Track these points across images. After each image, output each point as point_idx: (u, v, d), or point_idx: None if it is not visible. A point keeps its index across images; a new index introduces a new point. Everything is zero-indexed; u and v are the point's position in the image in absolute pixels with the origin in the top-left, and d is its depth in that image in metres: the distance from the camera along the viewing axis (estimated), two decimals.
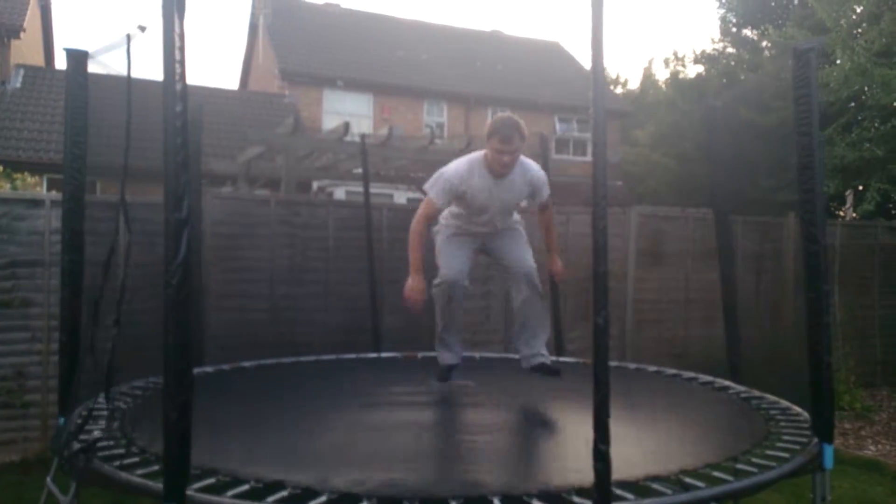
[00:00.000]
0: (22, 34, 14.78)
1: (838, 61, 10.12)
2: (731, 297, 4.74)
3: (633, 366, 5.36)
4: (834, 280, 7.82)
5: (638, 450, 3.19)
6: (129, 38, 3.30)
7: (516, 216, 4.34)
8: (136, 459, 2.92)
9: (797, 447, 3.18)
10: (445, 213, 4.14)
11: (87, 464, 2.89)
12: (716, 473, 2.83)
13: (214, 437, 3.17)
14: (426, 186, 4.00)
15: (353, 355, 5.59)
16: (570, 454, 3.25)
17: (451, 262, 4.10)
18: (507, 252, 4.21)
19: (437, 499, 2.56)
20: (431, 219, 4.08)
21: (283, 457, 3.18)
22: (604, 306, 2.22)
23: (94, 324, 3.34)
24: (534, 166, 4.11)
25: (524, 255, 4.19)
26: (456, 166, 3.96)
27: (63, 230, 3.83)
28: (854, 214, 11.72)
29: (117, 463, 2.87)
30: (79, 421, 3.33)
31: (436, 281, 4.11)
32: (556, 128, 19.41)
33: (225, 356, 5.28)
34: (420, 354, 5.71)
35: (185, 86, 2.41)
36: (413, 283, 3.92)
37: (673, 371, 5.04)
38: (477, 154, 4.00)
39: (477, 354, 5.43)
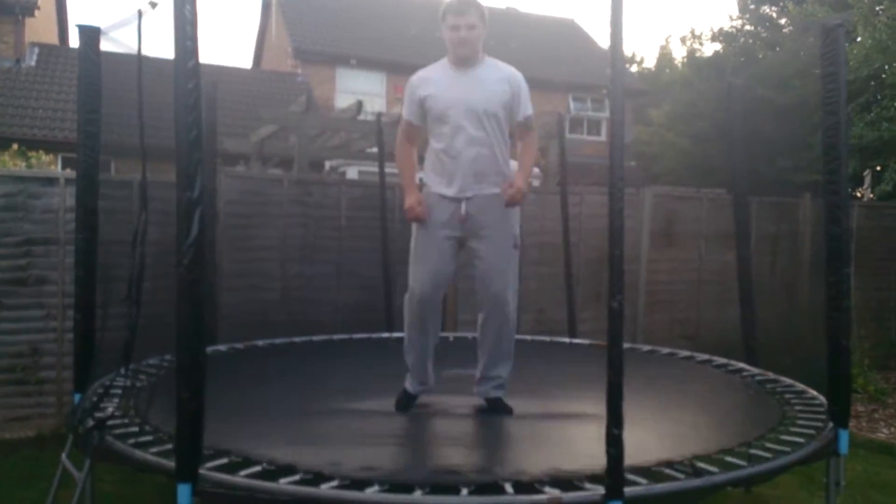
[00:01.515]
0: (36, 12, 14.76)
1: (859, 38, 9.93)
2: (747, 279, 4.70)
3: (645, 348, 5.34)
4: (851, 262, 7.73)
5: (651, 434, 3.18)
6: (140, 13, 3.27)
7: (510, 170, 3.42)
8: (149, 437, 2.94)
9: (812, 432, 3.16)
10: (428, 169, 3.49)
11: (101, 441, 2.92)
12: (730, 458, 2.82)
13: (227, 418, 3.18)
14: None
15: (364, 335, 5.61)
16: (582, 439, 3.24)
17: (424, 268, 3.39)
18: (483, 258, 3.39)
19: (448, 485, 2.55)
20: (411, 138, 3.54)
21: (295, 439, 3.19)
22: (619, 290, 2.20)
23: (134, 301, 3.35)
24: (510, 67, 3.48)
25: (500, 269, 3.37)
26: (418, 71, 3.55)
27: (77, 208, 3.85)
28: (871, 195, 11.56)
29: (131, 441, 2.90)
30: (94, 398, 3.37)
31: (408, 295, 3.48)
32: (570, 107, 19.23)
33: (237, 335, 5.30)
34: None
35: (197, 63, 2.39)
36: (410, 200, 3.37)
37: (687, 353, 5.02)
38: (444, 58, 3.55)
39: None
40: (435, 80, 3.40)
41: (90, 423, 3.03)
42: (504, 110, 3.38)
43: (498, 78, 3.40)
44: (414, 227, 3.49)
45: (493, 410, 3.56)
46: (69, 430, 3.38)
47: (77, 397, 3.63)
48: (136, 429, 3.06)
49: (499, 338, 3.49)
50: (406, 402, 3.61)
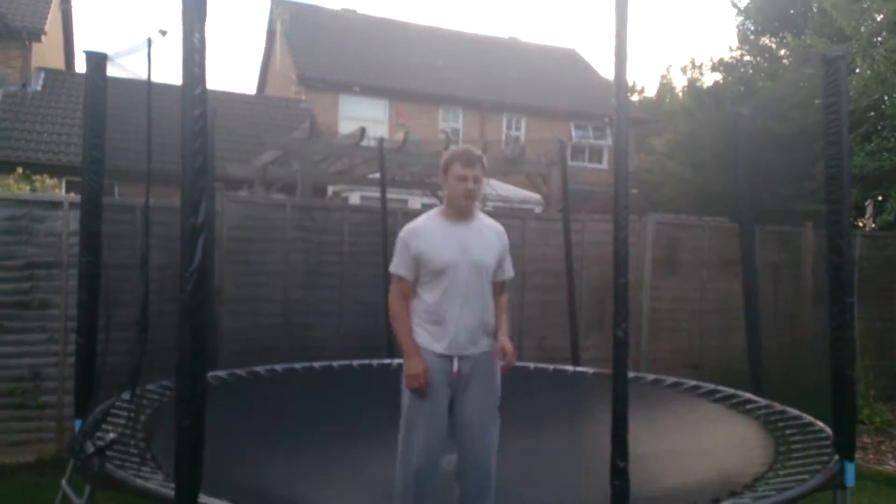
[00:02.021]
0: (43, 37, 14.91)
1: (857, 70, 10.01)
2: (753, 309, 4.68)
3: (650, 377, 5.31)
4: (854, 292, 7.72)
5: (656, 465, 3.15)
6: (149, 41, 3.30)
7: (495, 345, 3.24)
8: (150, 465, 2.91)
9: (818, 465, 3.12)
10: (415, 324, 3.24)
11: (102, 468, 2.89)
12: (736, 490, 2.79)
13: (228, 446, 3.16)
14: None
15: (366, 361, 5.58)
16: (586, 470, 3.21)
17: (427, 434, 3.09)
18: (468, 418, 3.16)
19: None
20: (406, 294, 3.24)
21: (295, 470, 3.16)
22: (624, 318, 2.19)
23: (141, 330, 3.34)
24: (494, 221, 3.43)
25: (484, 430, 3.18)
26: (410, 224, 3.33)
27: (81, 232, 3.86)
28: (873, 225, 11.58)
29: (132, 468, 2.88)
30: (95, 424, 3.34)
31: (402, 468, 3.11)
32: (571, 135, 19.33)
33: (238, 360, 5.28)
34: None
35: (204, 90, 2.42)
36: (417, 367, 3.10)
37: (692, 383, 4.98)
38: (434, 209, 3.43)
39: None
40: (429, 234, 3.22)
41: (91, 449, 3.01)
42: (496, 265, 3.30)
43: (492, 233, 3.33)
44: (407, 393, 3.17)
45: None
46: (70, 456, 3.35)
47: (78, 423, 3.61)
48: (136, 456, 3.03)
49: None
50: None
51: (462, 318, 3.16)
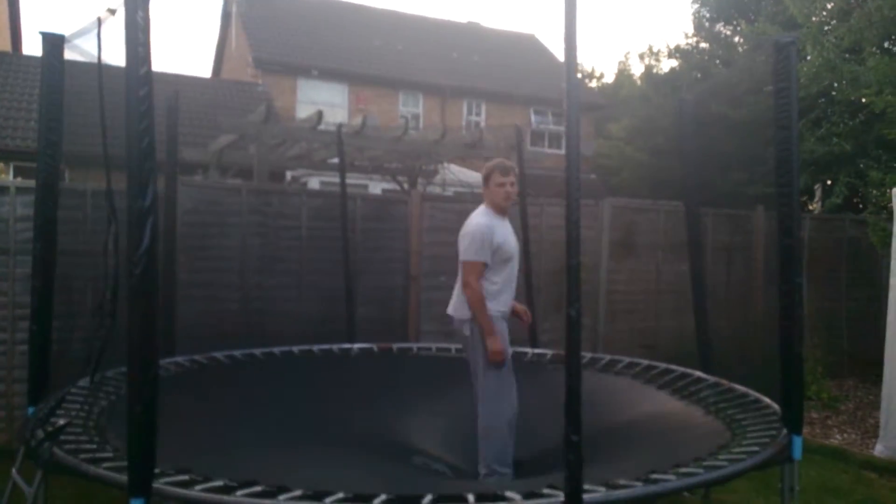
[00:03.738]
0: None
1: (808, 57, 10.23)
2: (700, 290, 4.79)
3: (606, 357, 5.39)
4: (802, 272, 7.92)
5: (609, 441, 3.22)
6: (99, 21, 3.21)
7: None
8: (107, 452, 2.87)
9: (767, 439, 3.22)
10: (488, 298, 3.88)
11: (53, 454, 2.84)
12: (687, 464, 2.86)
13: (185, 432, 3.13)
14: (465, 256, 3.86)
15: (326, 346, 5.56)
16: (542, 446, 3.26)
17: (512, 387, 3.86)
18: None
19: (410, 496, 2.54)
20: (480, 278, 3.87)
21: (254, 452, 3.15)
22: (576, 299, 2.23)
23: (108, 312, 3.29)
24: None
25: None
26: (477, 221, 3.92)
27: (35, 218, 3.76)
28: (822, 208, 11.89)
29: (86, 455, 2.83)
30: (48, 410, 3.28)
31: (495, 419, 3.70)
32: (531, 120, 19.43)
33: (195, 347, 5.20)
34: (395, 346, 5.70)
35: (149, 70, 2.37)
36: (498, 346, 3.78)
37: (646, 362, 5.08)
38: (478, 209, 4.02)
39: (453, 347, 5.40)
40: (499, 230, 3.91)
41: (42, 434, 2.95)
42: None
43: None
44: (487, 365, 3.80)
45: None
46: (21, 443, 3.28)
47: (31, 410, 3.53)
48: (92, 443, 2.98)
49: None
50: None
51: (513, 290, 4.02)
